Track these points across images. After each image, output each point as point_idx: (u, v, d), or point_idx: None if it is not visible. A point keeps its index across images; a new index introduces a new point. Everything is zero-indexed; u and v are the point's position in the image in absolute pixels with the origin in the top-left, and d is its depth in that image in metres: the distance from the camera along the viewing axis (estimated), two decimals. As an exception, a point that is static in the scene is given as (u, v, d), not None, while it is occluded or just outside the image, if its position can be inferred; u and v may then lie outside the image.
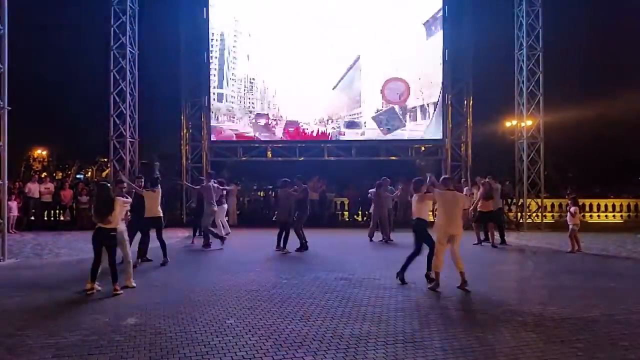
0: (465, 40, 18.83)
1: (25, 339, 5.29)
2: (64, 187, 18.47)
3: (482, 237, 13.02)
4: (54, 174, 36.84)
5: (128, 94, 17.48)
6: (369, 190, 14.15)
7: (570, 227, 11.65)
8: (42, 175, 26.22)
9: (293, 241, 11.63)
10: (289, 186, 11.75)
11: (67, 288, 7.67)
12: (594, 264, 10.46)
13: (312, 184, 16.88)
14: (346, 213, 19.83)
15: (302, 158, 19.29)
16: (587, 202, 20.00)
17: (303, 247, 11.64)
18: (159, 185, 10.07)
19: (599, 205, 20.00)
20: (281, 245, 11.53)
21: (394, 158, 19.65)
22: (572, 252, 11.55)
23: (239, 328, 5.62)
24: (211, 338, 5.27)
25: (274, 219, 18.44)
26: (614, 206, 19.98)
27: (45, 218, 17.89)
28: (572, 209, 11.80)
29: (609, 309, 6.54)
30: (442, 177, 8.63)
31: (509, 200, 18.89)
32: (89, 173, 41.36)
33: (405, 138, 19.14)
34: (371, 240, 13.53)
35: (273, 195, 20.16)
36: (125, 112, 17.42)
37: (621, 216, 19.82)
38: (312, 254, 11.20)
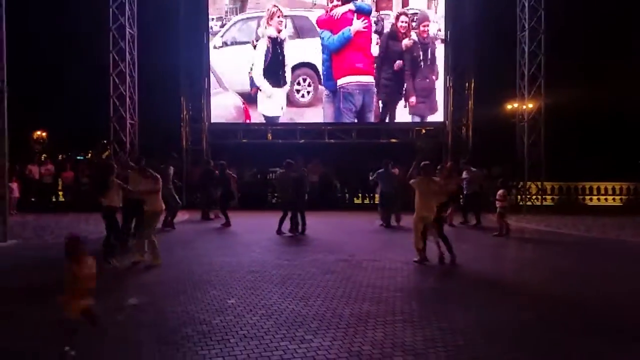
0: (467, 21, 18.65)
1: (26, 318, 5.36)
2: (65, 168, 18.48)
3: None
4: (59, 156, 36.73)
5: (127, 75, 17.39)
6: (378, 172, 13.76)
7: (498, 209, 11.59)
8: (43, 157, 26.20)
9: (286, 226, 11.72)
10: (292, 168, 11.73)
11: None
12: (593, 247, 10.52)
13: (311, 166, 16.89)
14: (347, 195, 19.80)
15: (303, 140, 19.25)
16: (587, 185, 20.01)
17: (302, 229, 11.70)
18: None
19: (598, 188, 20.00)
20: (293, 228, 11.56)
21: (394, 141, 19.61)
22: (499, 235, 11.34)
23: (240, 308, 5.68)
24: (212, 317, 5.33)
25: (274, 201, 18.61)
26: (613, 189, 19.98)
27: (46, 199, 17.92)
28: (500, 191, 11.72)
29: (605, 291, 6.61)
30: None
31: (509, 183, 18.89)
32: (90, 154, 41.29)
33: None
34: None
35: (274, 177, 20.12)
36: (124, 93, 17.35)
37: (620, 199, 19.84)
38: (313, 236, 11.25)
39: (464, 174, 13.39)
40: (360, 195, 19.55)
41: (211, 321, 5.22)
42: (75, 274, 4.10)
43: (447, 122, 18.94)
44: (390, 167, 13.17)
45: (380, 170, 13.18)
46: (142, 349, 4.52)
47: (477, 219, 13.38)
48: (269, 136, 19.64)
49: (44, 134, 39.90)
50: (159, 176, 8.40)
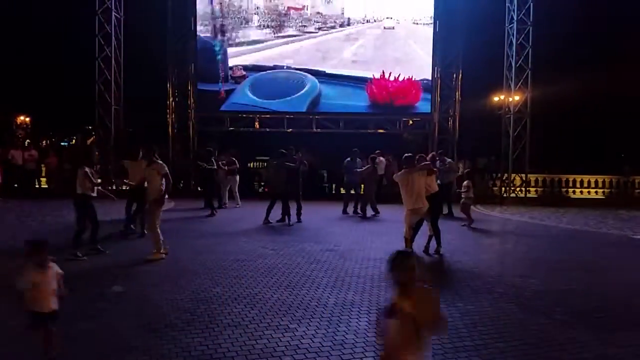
0: (455, 13, 18.63)
1: (7, 305, 5.31)
2: (49, 154, 18.23)
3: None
4: (43, 142, 36.22)
5: (113, 60, 17.16)
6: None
7: (463, 200, 11.69)
8: (26, 142, 25.85)
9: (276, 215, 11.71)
10: (286, 157, 11.74)
11: (51, 255, 7.65)
12: (575, 238, 10.67)
13: (297, 155, 16.84)
14: (333, 186, 19.81)
15: (291, 130, 19.15)
16: (571, 177, 20.24)
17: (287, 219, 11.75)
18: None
19: (582, 181, 20.25)
20: (286, 218, 11.63)
21: (381, 131, 19.61)
22: (469, 225, 11.48)
23: (225, 296, 5.69)
24: (197, 306, 5.33)
25: (260, 190, 18.58)
26: (596, 182, 20.24)
27: (29, 185, 17.67)
28: (465, 183, 11.82)
29: (587, 281, 6.73)
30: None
31: (493, 175, 19.10)
32: (74, 140, 40.76)
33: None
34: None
35: (265, 167, 20.01)
36: (110, 78, 17.13)
37: (603, 192, 20.10)
38: (299, 226, 11.26)
39: (438, 164, 13.46)
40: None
41: (196, 309, 5.22)
42: (416, 319, 2.57)
43: (434, 113, 18.97)
44: (356, 158, 13.74)
45: (346, 159, 13.78)
46: (126, 336, 4.50)
47: (448, 209, 13.44)
48: (257, 125, 19.50)
49: (27, 119, 39.24)
50: (164, 164, 8.22)
